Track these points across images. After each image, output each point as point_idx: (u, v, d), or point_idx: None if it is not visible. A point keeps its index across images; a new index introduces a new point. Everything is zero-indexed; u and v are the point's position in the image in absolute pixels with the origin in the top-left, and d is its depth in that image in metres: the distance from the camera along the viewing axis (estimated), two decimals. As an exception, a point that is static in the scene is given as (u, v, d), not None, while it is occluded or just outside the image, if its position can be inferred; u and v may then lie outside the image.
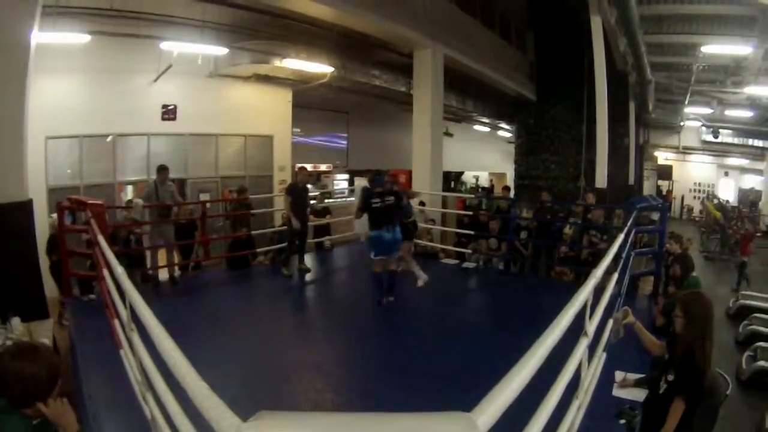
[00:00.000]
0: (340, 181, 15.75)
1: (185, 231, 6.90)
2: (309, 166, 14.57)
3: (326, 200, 9.95)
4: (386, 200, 5.21)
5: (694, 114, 18.71)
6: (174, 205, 6.18)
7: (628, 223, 5.05)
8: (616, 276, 3.58)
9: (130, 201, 7.22)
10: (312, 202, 9.31)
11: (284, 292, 6.27)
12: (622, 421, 2.95)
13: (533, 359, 1.42)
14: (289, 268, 6.60)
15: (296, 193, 6.54)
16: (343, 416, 0.96)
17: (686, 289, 3.00)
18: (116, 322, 3.31)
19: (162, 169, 6.06)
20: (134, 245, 6.31)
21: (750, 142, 20.07)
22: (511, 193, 12.28)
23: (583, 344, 2.37)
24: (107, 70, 8.29)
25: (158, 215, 6.06)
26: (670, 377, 2.43)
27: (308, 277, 6.66)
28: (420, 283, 6.03)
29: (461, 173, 21.36)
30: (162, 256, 6.36)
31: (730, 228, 14.35)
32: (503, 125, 18.99)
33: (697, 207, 21.83)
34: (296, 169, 6.43)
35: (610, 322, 2.94)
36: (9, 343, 3.49)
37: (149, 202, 5.98)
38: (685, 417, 2.32)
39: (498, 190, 16.37)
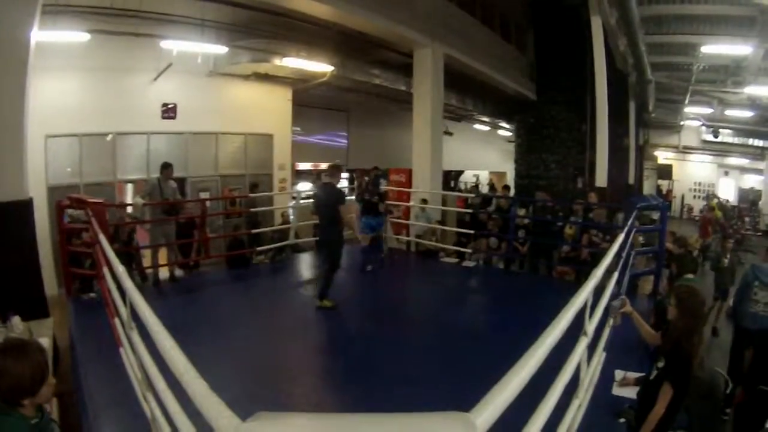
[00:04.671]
0: (340, 180, 15.74)
1: (185, 230, 6.90)
2: (309, 165, 14.62)
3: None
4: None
5: (694, 114, 18.68)
6: (177, 203, 6.19)
7: (629, 223, 5.05)
8: (616, 275, 3.58)
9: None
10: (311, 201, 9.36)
11: (284, 292, 6.27)
12: (622, 420, 2.95)
13: (532, 359, 1.42)
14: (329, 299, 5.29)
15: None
16: (342, 417, 0.96)
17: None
18: (116, 321, 3.31)
19: (166, 167, 6.04)
20: (135, 244, 6.31)
21: (750, 141, 20.05)
22: (511, 193, 12.27)
23: (583, 344, 2.37)
24: (107, 68, 8.27)
25: (162, 213, 6.02)
26: (660, 364, 2.54)
27: (309, 275, 6.63)
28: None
29: (461, 172, 21.34)
30: (162, 255, 6.35)
31: (731, 227, 14.35)
32: (503, 124, 18.97)
33: (697, 206, 21.84)
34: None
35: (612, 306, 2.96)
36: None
37: (152, 199, 5.96)
38: (674, 402, 2.41)
39: (498, 190, 16.39)
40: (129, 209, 7.36)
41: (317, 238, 5.42)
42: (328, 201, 5.12)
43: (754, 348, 3.81)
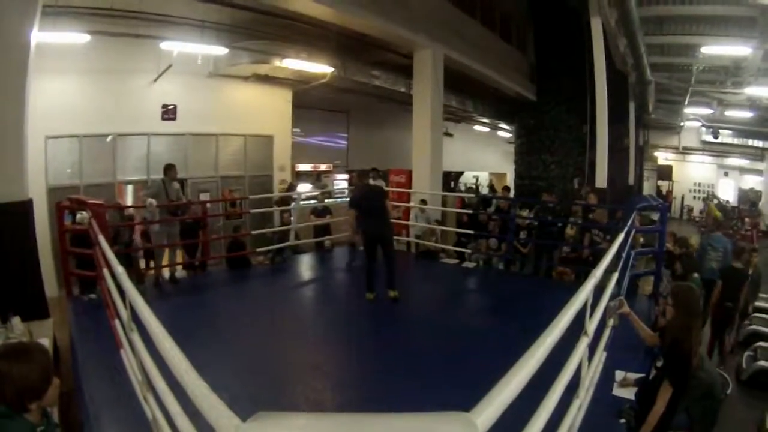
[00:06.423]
0: (340, 181, 15.77)
1: (188, 231, 6.88)
2: (309, 166, 14.63)
3: (326, 200, 9.96)
4: None
5: (694, 114, 18.68)
6: (182, 204, 6.21)
7: (628, 224, 5.05)
8: (616, 276, 3.58)
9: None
10: (312, 202, 9.38)
11: (285, 292, 6.27)
12: (623, 421, 2.95)
13: (533, 359, 1.42)
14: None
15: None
16: (342, 417, 0.96)
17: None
18: (117, 322, 3.30)
19: (170, 168, 6.06)
20: (135, 246, 6.30)
21: (750, 142, 20.06)
22: (511, 194, 12.30)
23: (584, 344, 2.37)
24: (107, 69, 8.29)
25: (167, 214, 6.02)
26: (659, 363, 2.55)
27: (309, 276, 6.63)
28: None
29: (461, 173, 21.36)
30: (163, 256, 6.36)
31: (731, 228, 14.36)
32: (503, 125, 19.00)
33: (697, 207, 21.85)
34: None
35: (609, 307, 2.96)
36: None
37: (158, 200, 5.97)
38: (673, 401, 2.43)
39: (498, 191, 16.41)
40: (131, 210, 7.37)
41: (369, 234, 5.68)
42: (380, 199, 5.78)
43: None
